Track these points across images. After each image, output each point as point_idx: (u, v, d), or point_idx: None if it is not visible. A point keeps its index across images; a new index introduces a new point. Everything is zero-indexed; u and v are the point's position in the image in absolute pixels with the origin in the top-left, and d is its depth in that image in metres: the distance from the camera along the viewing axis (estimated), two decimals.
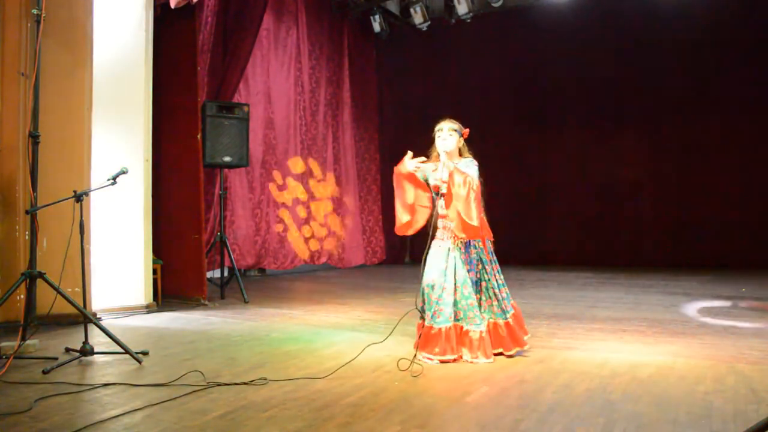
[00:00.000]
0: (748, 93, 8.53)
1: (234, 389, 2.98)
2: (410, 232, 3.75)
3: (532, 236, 10.00)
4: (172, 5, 5.60)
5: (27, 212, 3.84)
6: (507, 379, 3.17)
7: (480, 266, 3.62)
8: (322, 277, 8.63)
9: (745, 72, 8.52)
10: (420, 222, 3.72)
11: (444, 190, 3.59)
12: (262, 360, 3.60)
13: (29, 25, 4.49)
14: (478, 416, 2.61)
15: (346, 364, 3.39)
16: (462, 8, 8.89)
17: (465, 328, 3.54)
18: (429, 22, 9.37)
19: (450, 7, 9.12)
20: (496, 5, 8.92)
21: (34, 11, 3.81)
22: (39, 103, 3.77)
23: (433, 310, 3.55)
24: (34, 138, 3.72)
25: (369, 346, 3.67)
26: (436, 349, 3.48)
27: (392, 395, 2.90)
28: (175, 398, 2.83)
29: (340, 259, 9.53)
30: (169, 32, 6.01)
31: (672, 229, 9.07)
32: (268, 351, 3.86)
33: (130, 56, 5.57)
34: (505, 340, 3.60)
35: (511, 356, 3.58)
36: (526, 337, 3.71)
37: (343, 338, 4.22)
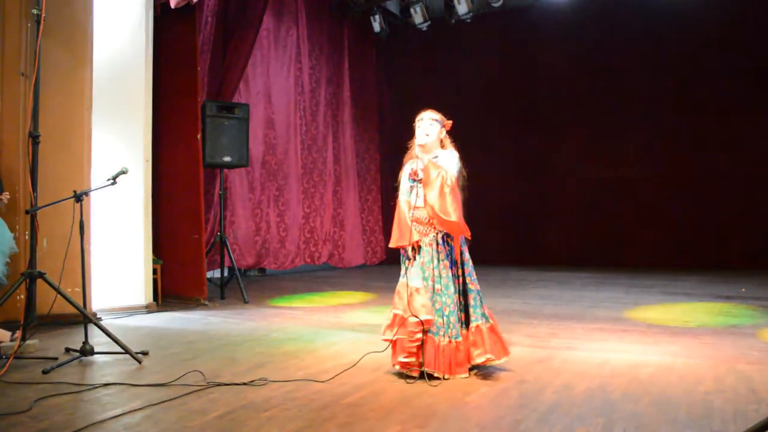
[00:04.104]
0: (749, 92, 8.53)
1: (234, 389, 2.98)
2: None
3: (533, 236, 10.00)
4: (172, 5, 5.60)
5: (27, 212, 3.84)
6: (507, 379, 3.17)
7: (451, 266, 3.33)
8: (322, 277, 8.63)
9: (745, 71, 8.51)
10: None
11: (420, 176, 3.37)
12: (262, 360, 3.60)
13: (29, 25, 4.50)
14: (478, 416, 2.61)
15: (345, 370, 3.35)
16: (462, 8, 8.89)
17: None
18: (429, 22, 9.37)
19: (450, 7, 9.12)
20: (496, 5, 8.92)
21: (34, 11, 3.80)
22: (39, 103, 3.77)
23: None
24: (34, 138, 3.71)
25: (368, 354, 3.58)
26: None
27: (392, 395, 2.90)
28: (175, 398, 2.83)
29: (340, 259, 9.53)
30: (169, 32, 6.01)
31: (672, 229, 9.06)
32: (268, 351, 3.85)
33: (130, 56, 5.58)
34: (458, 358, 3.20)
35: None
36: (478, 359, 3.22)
37: (343, 338, 4.22)
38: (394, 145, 10.56)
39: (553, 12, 8.98)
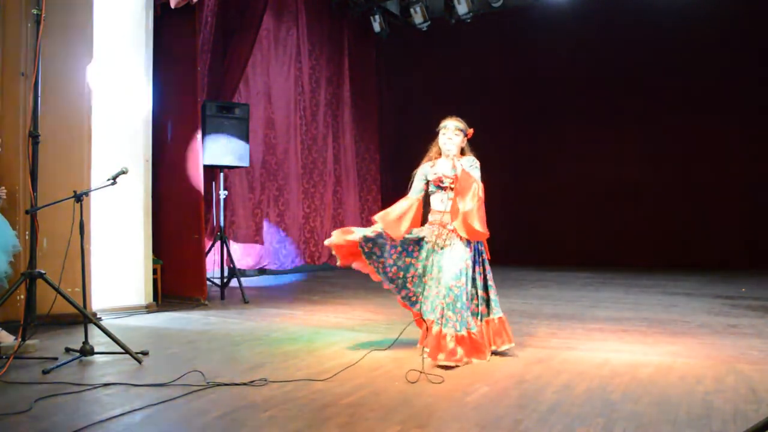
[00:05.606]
0: (748, 93, 8.54)
1: (234, 389, 2.98)
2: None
3: (533, 236, 10.01)
4: (172, 5, 5.60)
5: (27, 212, 3.83)
6: (507, 379, 3.17)
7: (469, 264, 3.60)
8: (322, 277, 8.63)
9: (745, 71, 8.52)
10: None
11: (445, 184, 3.63)
12: (262, 360, 3.60)
13: (29, 25, 4.49)
14: (478, 416, 2.61)
15: (347, 368, 3.38)
16: (462, 8, 8.89)
17: (443, 331, 3.45)
18: (429, 22, 9.37)
19: (450, 7, 9.12)
20: (496, 5, 8.93)
21: (34, 11, 3.80)
22: (39, 103, 3.77)
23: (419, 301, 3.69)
24: (34, 138, 3.71)
25: (370, 351, 3.66)
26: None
27: (392, 395, 2.90)
28: (175, 398, 2.83)
29: None
30: (169, 32, 6.01)
31: (672, 229, 9.07)
32: (268, 351, 3.85)
33: (130, 56, 5.57)
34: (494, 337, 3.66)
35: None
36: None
37: (343, 338, 4.22)
38: (394, 145, 10.59)
39: (553, 12, 8.99)
